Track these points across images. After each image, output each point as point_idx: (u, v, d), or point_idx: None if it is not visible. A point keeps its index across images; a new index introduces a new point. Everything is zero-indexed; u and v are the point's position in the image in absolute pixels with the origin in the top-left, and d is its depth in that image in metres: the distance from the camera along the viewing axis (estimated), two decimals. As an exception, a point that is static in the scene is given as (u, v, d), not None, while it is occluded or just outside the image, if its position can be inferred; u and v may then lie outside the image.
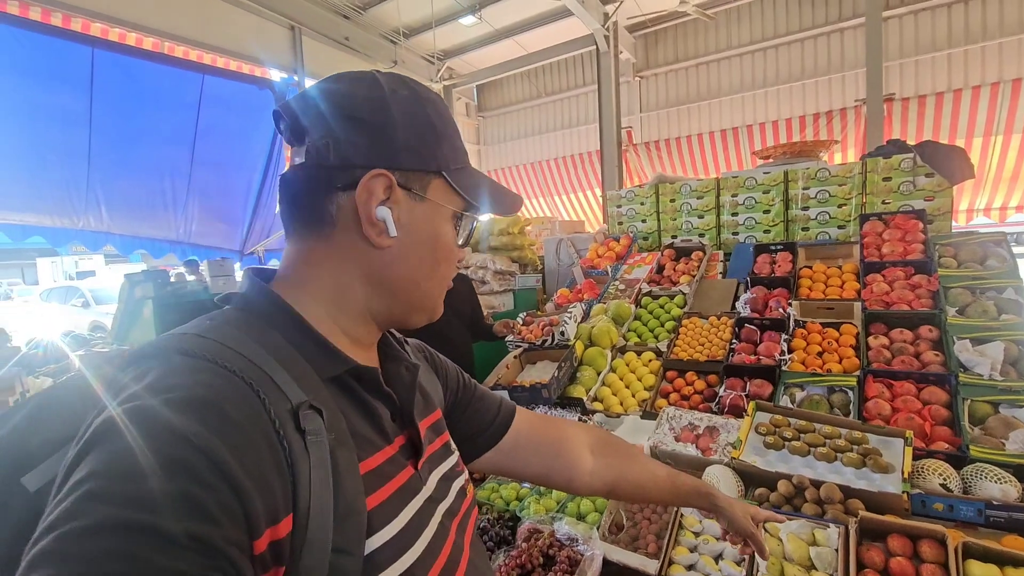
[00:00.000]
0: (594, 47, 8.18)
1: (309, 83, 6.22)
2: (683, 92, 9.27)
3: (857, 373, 2.08)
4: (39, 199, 5.44)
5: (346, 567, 0.45)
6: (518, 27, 8.89)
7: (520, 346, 2.81)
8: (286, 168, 0.57)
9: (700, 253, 3.19)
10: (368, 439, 0.53)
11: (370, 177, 0.53)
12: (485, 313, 3.41)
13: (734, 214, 3.34)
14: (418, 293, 0.60)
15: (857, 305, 2.40)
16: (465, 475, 0.71)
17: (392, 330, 0.67)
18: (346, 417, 0.51)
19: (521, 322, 2.97)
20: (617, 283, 3.22)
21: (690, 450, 1.92)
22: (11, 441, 0.45)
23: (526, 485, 1.98)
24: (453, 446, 0.72)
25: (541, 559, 1.56)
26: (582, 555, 1.54)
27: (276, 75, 7.85)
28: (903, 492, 1.48)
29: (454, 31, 8.97)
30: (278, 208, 0.60)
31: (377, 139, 0.54)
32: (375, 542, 0.48)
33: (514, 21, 8.77)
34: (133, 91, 5.95)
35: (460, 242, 0.62)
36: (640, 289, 3.08)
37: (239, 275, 5.84)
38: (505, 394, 2.37)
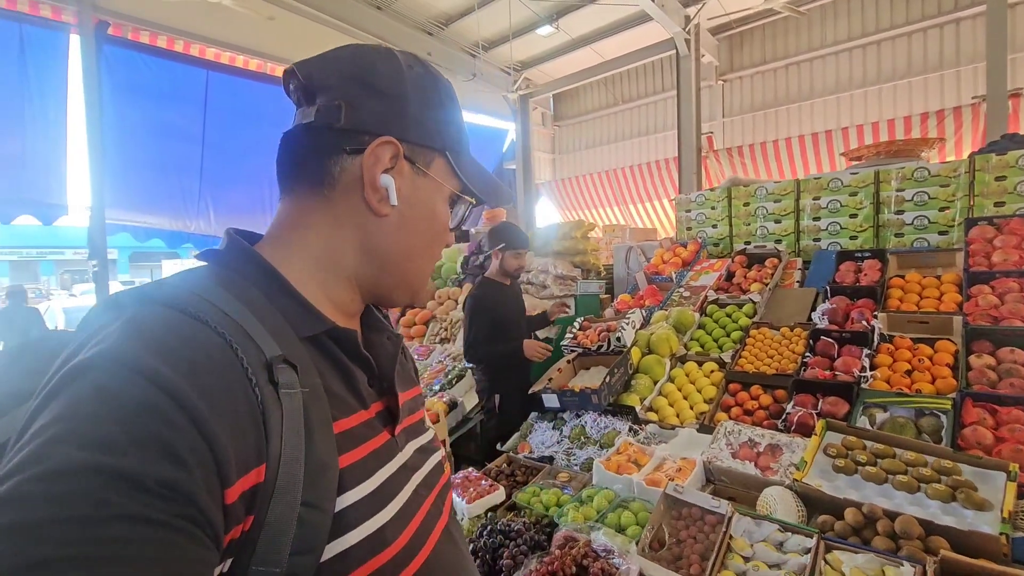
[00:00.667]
0: (674, 51, 7.93)
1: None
2: (770, 95, 8.76)
3: (953, 395, 1.82)
4: (158, 204, 6.17)
5: (315, 521, 0.44)
6: (595, 35, 8.84)
7: (574, 350, 2.75)
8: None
9: (775, 260, 2.96)
10: (343, 400, 0.53)
11: (379, 143, 0.54)
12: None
13: (815, 218, 3.07)
14: (408, 267, 0.60)
15: (957, 319, 2.11)
16: (442, 452, 0.70)
17: (377, 308, 0.67)
18: (322, 376, 0.51)
19: (578, 327, 2.91)
20: (681, 290, 3.07)
21: (748, 468, 1.77)
22: None
23: (568, 491, 1.91)
24: (429, 423, 0.72)
25: (574, 568, 1.49)
26: (617, 569, 1.46)
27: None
28: (1001, 534, 1.27)
29: (531, 42, 9.08)
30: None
31: (390, 108, 0.55)
32: (346, 500, 0.48)
33: (591, 29, 8.73)
34: (240, 109, 6.61)
35: (452, 225, 0.63)
36: (706, 296, 2.91)
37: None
38: (554, 398, 2.33)
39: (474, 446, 3.23)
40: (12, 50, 5.24)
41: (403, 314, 4.45)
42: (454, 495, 1.92)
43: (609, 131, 11.04)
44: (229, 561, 0.41)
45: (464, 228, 0.73)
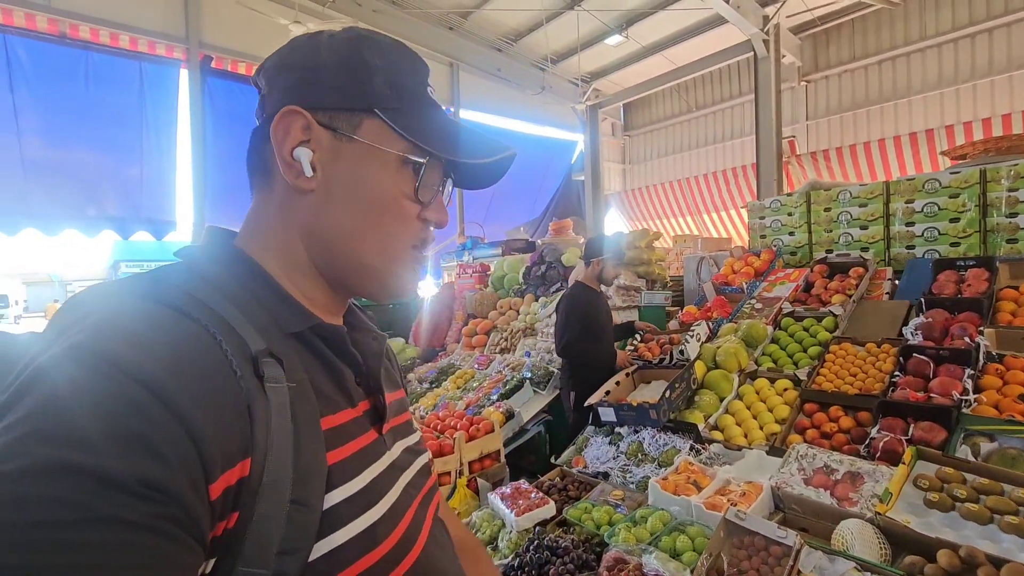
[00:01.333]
0: (751, 54, 7.58)
1: (464, 114, 6.81)
2: (860, 94, 8.11)
3: (1080, 425, 1.56)
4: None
5: (303, 520, 0.42)
6: (666, 42, 8.65)
7: (635, 363, 2.64)
8: None
9: (860, 270, 2.71)
10: (331, 397, 0.51)
11: (281, 115, 0.51)
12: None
13: (909, 224, 2.78)
14: (355, 247, 0.54)
15: (1087, 337, 1.81)
16: (428, 455, 0.69)
17: (362, 309, 0.66)
18: (309, 373, 0.49)
19: (639, 339, 2.80)
20: (753, 301, 2.88)
21: (823, 497, 1.60)
22: None
23: (621, 510, 1.83)
24: (416, 426, 0.70)
25: (622, 592, 1.41)
26: (668, 596, 1.36)
27: (435, 108, 8.67)
28: None
29: (600, 52, 9.03)
30: None
31: (299, 80, 0.53)
32: (334, 497, 0.46)
33: (662, 36, 8.56)
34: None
35: (420, 193, 0.55)
36: (781, 309, 2.71)
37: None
38: (611, 412, 2.25)
39: (535, 458, 3.18)
40: (133, 85, 5.94)
41: (465, 323, 4.51)
42: (502, 506, 1.89)
43: (682, 139, 10.71)
44: (212, 561, 0.38)
45: (450, 195, 0.57)
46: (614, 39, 8.48)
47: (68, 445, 0.31)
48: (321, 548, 0.44)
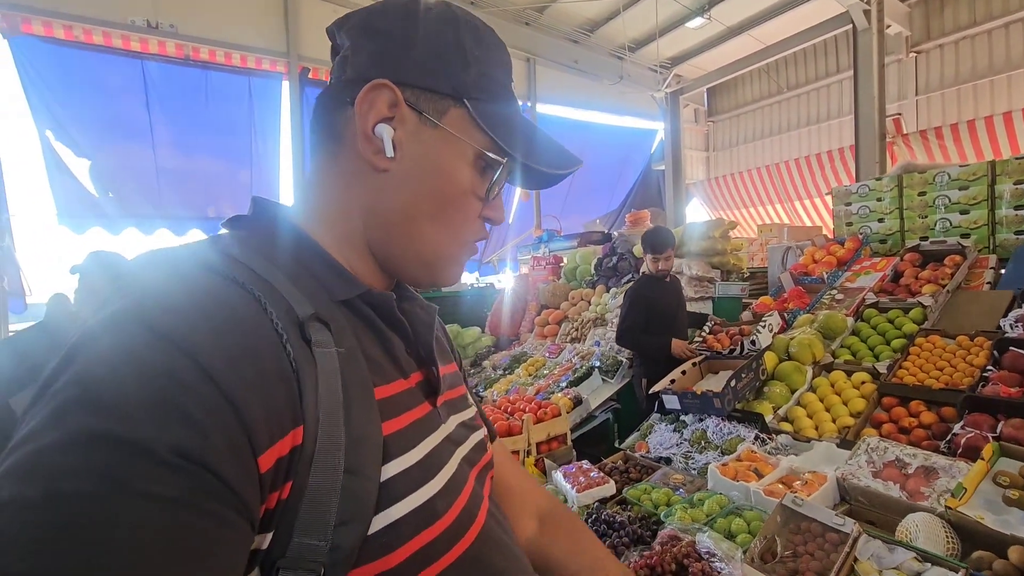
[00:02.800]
0: (850, 26, 7.01)
1: (541, 108, 6.90)
2: (982, 63, 7.22)
3: None
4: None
5: (360, 491, 0.41)
6: (753, 20, 8.20)
7: (703, 353, 2.64)
8: None
9: (958, 257, 2.50)
10: (382, 366, 0.50)
11: (371, 87, 0.49)
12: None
13: (1019, 207, 2.52)
14: (412, 231, 0.52)
15: None
16: (484, 431, 0.66)
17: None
18: (359, 340, 0.47)
19: (708, 330, 2.79)
20: (834, 292, 2.75)
21: (891, 490, 1.56)
22: (6, 363, 0.46)
23: (680, 493, 1.87)
24: (471, 400, 0.68)
25: (673, 566, 1.47)
26: (719, 573, 1.41)
27: (512, 104, 8.84)
28: None
29: (680, 36, 8.74)
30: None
31: (391, 50, 0.50)
32: (391, 469, 0.44)
33: (748, 15, 8.12)
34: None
35: (485, 191, 0.54)
36: (864, 299, 2.57)
37: (462, 277, 6.77)
38: (675, 400, 2.28)
39: (604, 446, 3.25)
40: (243, 98, 6.63)
41: (538, 313, 4.64)
42: (565, 483, 2.00)
43: (771, 122, 10.10)
44: (269, 535, 0.37)
45: (506, 194, 0.57)
46: (696, 21, 8.16)
47: (105, 414, 0.31)
48: (380, 521, 0.42)
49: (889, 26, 7.09)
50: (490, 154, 0.52)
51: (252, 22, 6.46)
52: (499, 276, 9.11)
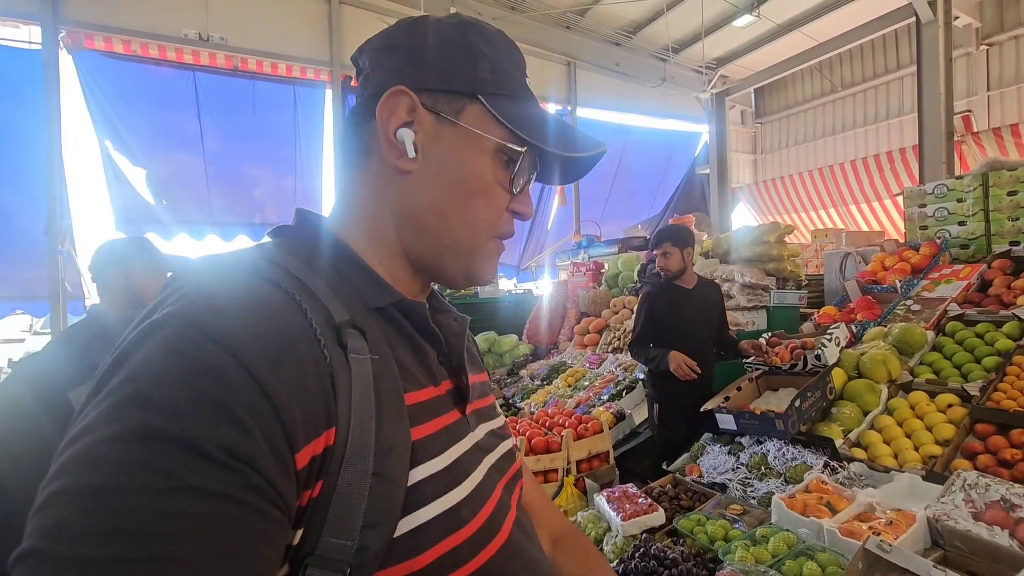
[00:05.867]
0: (912, 19, 6.58)
1: (581, 112, 6.82)
2: (1067, 53, 6.64)
3: None
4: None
5: (388, 494, 0.42)
6: (805, 17, 7.84)
7: (759, 368, 2.42)
8: None
9: (1060, 265, 2.21)
10: (414, 373, 0.51)
11: (389, 95, 0.52)
12: (731, 329, 3.07)
13: None
14: (441, 227, 0.54)
15: None
16: (513, 441, 0.66)
17: (439, 293, 0.66)
18: (392, 348, 0.49)
19: (765, 342, 2.57)
20: (909, 302, 2.49)
21: (998, 536, 1.34)
22: (66, 360, 0.52)
23: (740, 526, 1.68)
24: (499, 410, 0.68)
25: (738, 614, 1.30)
26: (792, 626, 1.23)
27: (552, 107, 8.75)
28: None
29: (727, 36, 8.44)
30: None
31: (406, 61, 0.53)
32: (418, 474, 0.46)
33: (800, 11, 7.76)
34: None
35: (513, 182, 0.55)
36: (946, 311, 2.31)
37: (500, 283, 6.68)
38: (730, 419, 2.09)
39: (648, 463, 3.07)
40: (288, 107, 6.78)
41: (578, 321, 4.48)
42: (608, 508, 1.84)
43: (824, 123, 9.63)
44: (299, 532, 0.39)
45: (542, 190, 0.56)
46: (743, 20, 7.85)
47: (156, 411, 0.33)
48: (407, 524, 0.43)
49: (957, 17, 6.62)
50: (510, 145, 0.54)
51: (298, 32, 6.60)
52: (537, 282, 8.99)
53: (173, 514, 0.31)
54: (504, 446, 0.63)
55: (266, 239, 0.53)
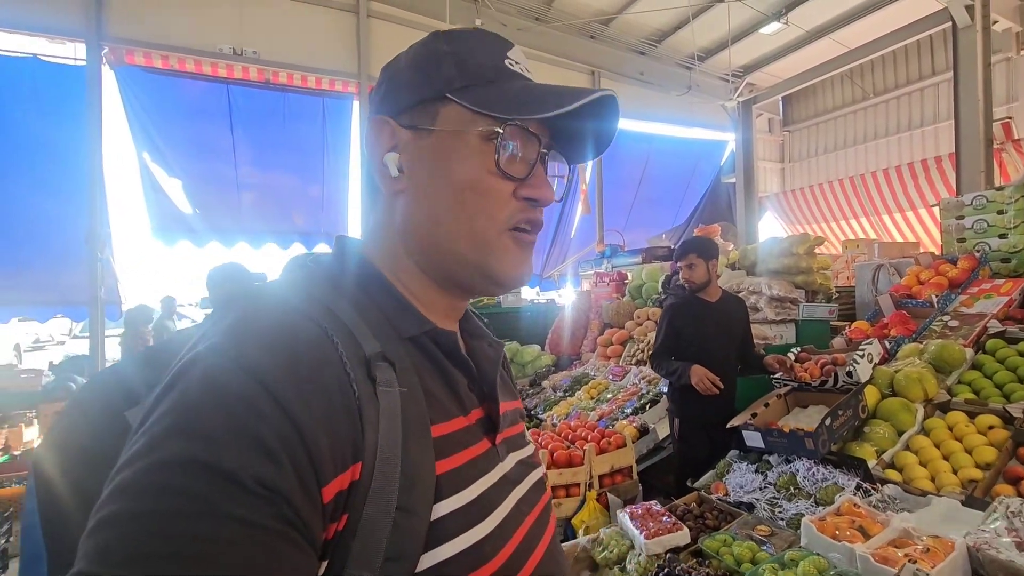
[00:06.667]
0: (948, 24, 6.41)
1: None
2: (1115, 57, 6.37)
3: None
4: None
5: (411, 528, 0.42)
6: (834, 23, 7.71)
7: (788, 384, 2.37)
8: None
9: (1109, 281, 2.11)
10: (443, 403, 0.51)
11: (369, 127, 0.54)
12: (756, 344, 3.01)
13: None
14: (443, 233, 0.52)
15: None
16: (542, 470, 0.65)
17: (476, 315, 0.65)
18: (421, 377, 0.49)
19: (794, 357, 2.51)
20: (947, 318, 2.40)
21: (1044, 568, 1.27)
22: (124, 379, 0.54)
23: (768, 548, 1.64)
24: (529, 438, 0.67)
25: (765, 641, 1.27)
26: (822, 656, 1.19)
27: (575, 117, 8.75)
28: None
29: (754, 43, 8.35)
30: None
31: (384, 91, 0.55)
32: (442, 509, 0.45)
33: (829, 18, 7.64)
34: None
35: (504, 164, 0.52)
36: (986, 328, 2.23)
37: (522, 292, 6.66)
38: (757, 437, 2.05)
39: (672, 479, 3.02)
40: (317, 118, 6.93)
41: (601, 332, 4.44)
42: (631, 525, 1.82)
43: (855, 130, 9.43)
44: (324, 563, 0.39)
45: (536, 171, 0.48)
46: (771, 27, 7.76)
47: (196, 440, 0.35)
48: (429, 560, 0.43)
49: (996, 21, 6.41)
50: (492, 128, 0.51)
51: (327, 46, 6.76)
52: (560, 291, 8.97)
53: (208, 539, 0.33)
54: (534, 476, 0.61)
55: (307, 263, 0.54)
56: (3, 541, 2.51)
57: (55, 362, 6.67)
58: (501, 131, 0.51)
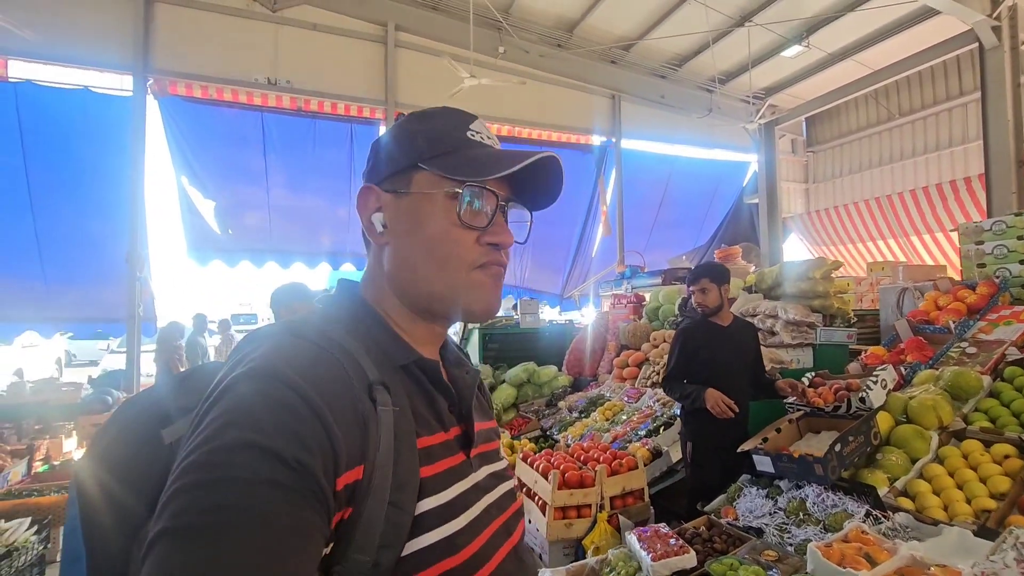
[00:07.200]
0: (975, 45, 6.35)
1: (626, 144, 6.86)
2: None
3: None
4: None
5: (398, 521, 0.53)
6: (857, 45, 7.71)
7: (800, 409, 2.37)
8: None
9: None
10: (428, 421, 0.62)
11: (359, 194, 0.66)
12: (769, 367, 3.00)
13: None
14: (418, 277, 0.63)
15: None
16: (514, 482, 0.76)
17: (456, 345, 0.76)
18: (411, 399, 0.60)
19: (808, 382, 2.51)
20: (964, 344, 2.38)
21: (1052, 601, 1.26)
22: (159, 401, 0.64)
23: (774, 573, 1.65)
24: (503, 455, 0.78)
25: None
26: None
27: (596, 139, 8.88)
28: None
29: (775, 66, 8.38)
30: None
31: (372, 164, 0.68)
32: (424, 505, 0.56)
33: (852, 40, 7.64)
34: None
35: (465, 217, 0.62)
36: (1004, 355, 2.20)
37: (543, 313, 6.69)
38: (767, 462, 2.06)
39: (685, 503, 3.00)
40: (345, 143, 7.21)
41: (617, 354, 4.46)
42: (638, 547, 1.84)
43: (881, 151, 9.31)
44: (331, 545, 0.49)
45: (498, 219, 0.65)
46: (792, 50, 7.79)
47: (250, 429, 0.45)
48: (411, 547, 0.53)
49: (1024, 42, 6.32)
50: (454, 188, 0.62)
51: (356, 74, 7.05)
52: (581, 311, 8.98)
53: (257, 496, 0.43)
54: (504, 487, 0.71)
55: (323, 299, 0.68)
56: (42, 547, 2.65)
57: (93, 376, 6.95)
58: (461, 191, 0.62)
